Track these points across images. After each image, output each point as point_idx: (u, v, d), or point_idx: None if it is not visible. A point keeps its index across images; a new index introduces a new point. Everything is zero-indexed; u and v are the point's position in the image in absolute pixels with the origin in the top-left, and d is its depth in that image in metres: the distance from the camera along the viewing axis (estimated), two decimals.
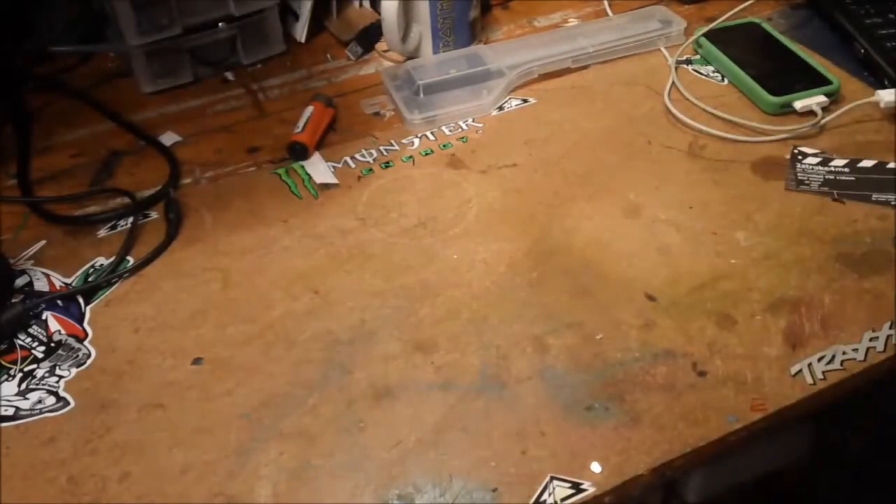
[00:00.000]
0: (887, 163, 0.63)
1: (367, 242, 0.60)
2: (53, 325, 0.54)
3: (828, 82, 0.69)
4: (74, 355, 0.53)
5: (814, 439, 0.65)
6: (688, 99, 0.71)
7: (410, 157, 0.68)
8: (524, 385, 0.49)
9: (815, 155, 0.65)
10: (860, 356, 0.50)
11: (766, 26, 0.78)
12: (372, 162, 0.67)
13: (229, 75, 0.79)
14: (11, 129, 0.71)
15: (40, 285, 0.57)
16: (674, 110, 0.70)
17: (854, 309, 0.53)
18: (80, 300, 0.56)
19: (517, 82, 0.75)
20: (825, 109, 0.67)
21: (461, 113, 0.71)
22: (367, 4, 0.83)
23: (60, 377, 0.51)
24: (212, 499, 0.44)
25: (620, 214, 0.61)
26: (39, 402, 0.50)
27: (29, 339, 0.54)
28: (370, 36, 0.81)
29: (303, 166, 0.67)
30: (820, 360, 0.50)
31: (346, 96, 0.75)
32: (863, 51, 0.74)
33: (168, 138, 0.71)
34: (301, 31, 0.82)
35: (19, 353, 0.53)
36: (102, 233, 0.62)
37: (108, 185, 0.66)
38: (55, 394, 0.50)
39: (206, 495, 0.45)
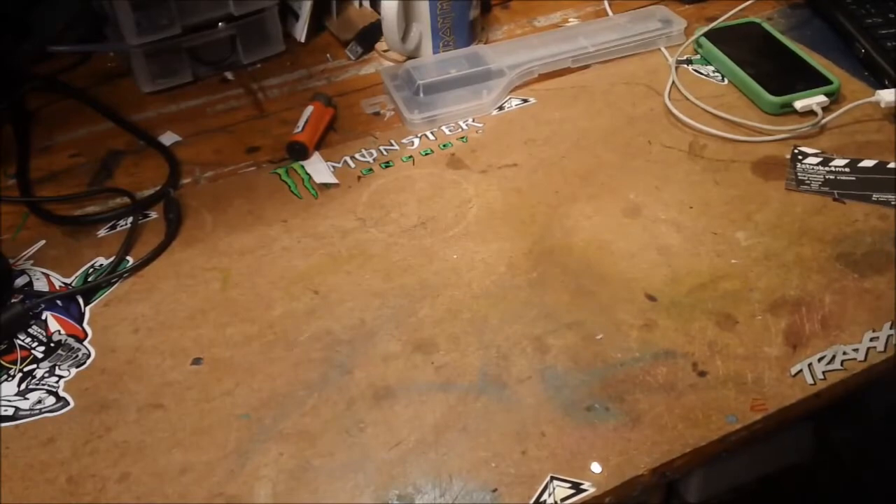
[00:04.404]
0: (888, 163, 0.63)
1: (367, 242, 0.60)
2: (53, 325, 0.54)
3: (828, 82, 0.69)
4: (74, 355, 0.53)
5: (814, 439, 0.65)
6: (688, 99, 0.71)
7: (410, 156, 0.68)
8: (524, 385, 0.49)
9: (815, 155, 0.65)
10: (860, 356, 0.50)
11: (767, 26, 0.77)
12: (372, 162, 0.67)
13: (229, 75, 0.79)
14: (11, 128, 0.71)
15: (40, 285, 0.57)
16: (674, 110, 0.70)
17: (854, 309, 0.53)
18: (80, 300, 0.56)
19: (517, 82, 0.75)
20: (825, 109, 0.67)
21: (461, 113, 0.71)
22: (367, 4, 0.83)
23: (60, 377, 0.51)
24: (211, 499, 0.44)
25: (621, 214, 0.61)
26: (39, 402, 0.50)
27: (28, 340, 0.54)
28: (370, 36, 0.81)
29: (302, 166, 0.67)
30: (820, 360, 0.50)
31: (346, 96, 0.75)
32: (863, 50, 0.74)
33: (168, 138, 0.71)
34: (301, 31, 0.82)
35: (19, 354, 0.53)
36: (102, 233, 0.62)
37: (108, 185, 0.66)
38: (55, 394, 0.50)
39: (205, 496, 0.45)
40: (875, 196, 0.61)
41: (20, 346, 0.53)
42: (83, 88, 0.77)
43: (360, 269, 0.58)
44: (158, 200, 0.64)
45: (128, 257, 0.59)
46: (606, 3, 0.85)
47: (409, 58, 0.78)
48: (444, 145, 0.69)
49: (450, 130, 0.70)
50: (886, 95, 0.66)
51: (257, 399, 0.49)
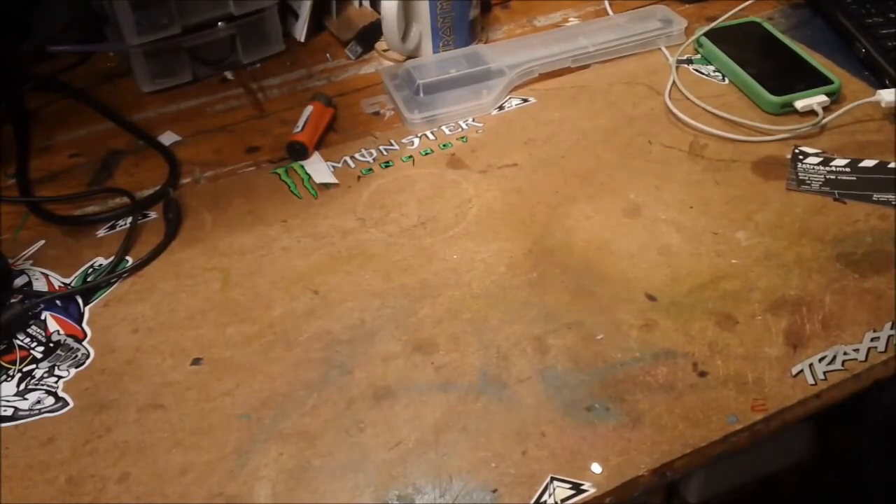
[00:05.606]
0: (888, 163, 0.63)
1: (367, 242, 0.60)
2: (52, 326, 0.54)
3: (829, 82, 0.69)
4: (73, 355, 0.52)
5: (815, 440, 0.65)
6: (688, 98, 0.71)
7: (410, 156, 0.68)
8: (524, 385, 0.49)
9: (816, 155, 0.65)
10: (861, 356, 0.50)
11: (767, 26, 0.77)
12: (372, 161, 0.67)
13: (229, 75, 0.79)
14: (11, 128, 0.71)
15: (39, 285, 0.57)
16: (674, 110, 0.69)
17: (855, 309, 0.53)
18: (79, 300, 0.56)
19: (517, 82, 0.74)
20: (826, 109, 0.67)
21: (461, 112, 0.71)
22: (366, 4, 0.83)
23: (59, 377, 0.51)
24: (211, 499, 0.44)
25: (621, 214, 0.61)
26: (38, 402, 0.50)
27: (28, 340, 0.53)
28: (370, 35, 0.81)
29: (302, 166, 0.67)
30: (821, 360, 0.50)
31: (345, 96, 0.75)
32: (864, 50, 0.74)
33: (167, 138, 0.71)
34: (301, 31, 0.82)
35: (18, 354, 0.53)
36: (101, 233, 0.62)
37: (108, 185, 0.66)
38: (54, 394, 0.50)
39: (205, 496, 0.45)
40: (875, 196, 0.61)
41: (19, 346, 0.53)
42: (83, 88, 0.77)
43: (360, 269, 0.58)
44: (158, 200, 0.64)
45: (127, 257, 0.59)
46: (606, 3, 0.85)
47: (409, 57, 0.78)
48: (444, 145, 0.69)
49: (450, 130, 0.70)
50: (887, 95, 0.66)
51: (257, 399, 0.49)
